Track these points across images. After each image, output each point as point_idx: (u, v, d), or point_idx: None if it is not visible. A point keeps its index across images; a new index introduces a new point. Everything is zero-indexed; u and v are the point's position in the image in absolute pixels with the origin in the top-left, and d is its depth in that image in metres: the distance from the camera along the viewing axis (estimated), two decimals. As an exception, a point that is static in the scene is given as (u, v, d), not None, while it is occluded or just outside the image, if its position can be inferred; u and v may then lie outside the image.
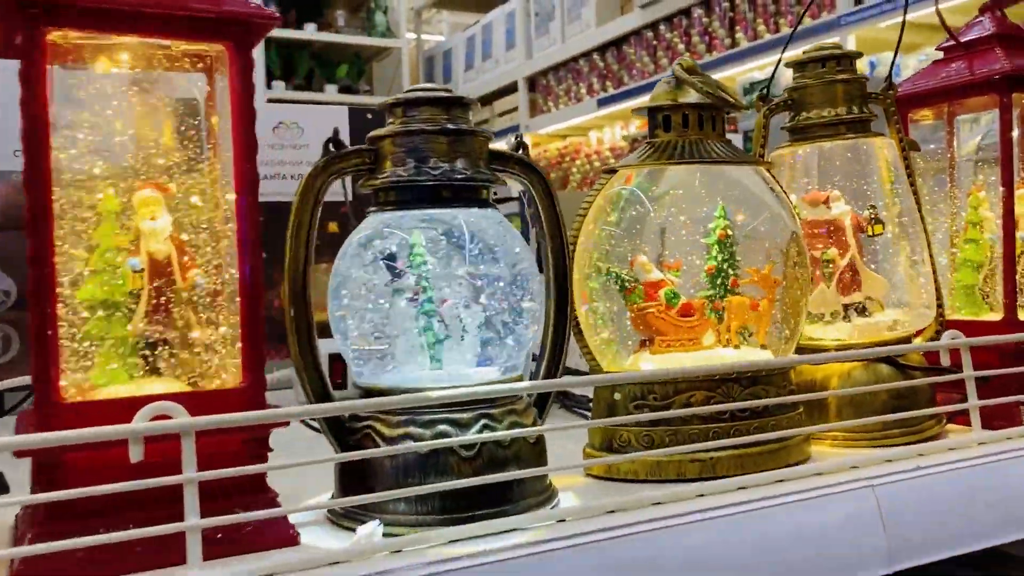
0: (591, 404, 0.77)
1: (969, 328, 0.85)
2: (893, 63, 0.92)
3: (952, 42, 0.90)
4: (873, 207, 0.85)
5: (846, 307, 0.86)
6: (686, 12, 5.53)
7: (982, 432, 0.82)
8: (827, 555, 0.68)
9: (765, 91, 0.87)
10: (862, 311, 0.86)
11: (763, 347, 0.77)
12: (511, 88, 5.44)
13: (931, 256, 0.87)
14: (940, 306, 0.89)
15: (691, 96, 0.76)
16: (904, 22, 0.89)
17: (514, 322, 0.66)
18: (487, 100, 5.69)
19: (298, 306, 0.62)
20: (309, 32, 4.94)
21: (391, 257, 0.64)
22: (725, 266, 0.77)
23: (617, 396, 0.73)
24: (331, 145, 0.63)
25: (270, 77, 4.67)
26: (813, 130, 0.86)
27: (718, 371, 0.71)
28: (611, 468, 0.73)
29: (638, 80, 5.96)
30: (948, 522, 0.74)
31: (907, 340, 0.86)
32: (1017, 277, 0.88)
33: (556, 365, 0.70)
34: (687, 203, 0.77)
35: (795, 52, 0.89)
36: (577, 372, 0.99)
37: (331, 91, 5.02)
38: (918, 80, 0.92)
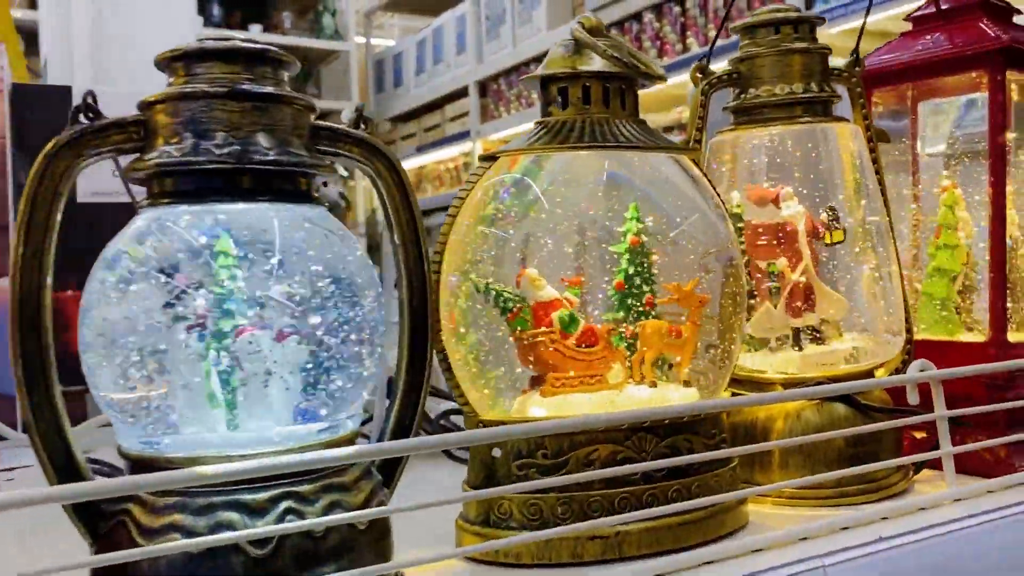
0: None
1: (941, 351, 0.70)
2: (860, 35, 0.76)
3: (928, 10, 0.73)
4: (832, 209, 0.69)
5: (796, 331, 0.69)
6: (637, 17, 5.41)
7: (956, 487, 0.66)
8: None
9: (704, 61, 0.70)
10: (816, 337, 0.70)
11: (687, 384, 0.60)
12: (462, 93, 5.28)
13: (900, 270, 0.72)
14: (909, 331, 0.73)
15: (595, 63, 0.59)
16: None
17: (345, 360, 0.48)
18: (438, 105, 5.55)
19: (29, 341, 0.44)
20: (254, 34, 4.77)
21: (166, 271, 0.46)
22: (638, 280, 0.60)
23: (497, 453, 0.56)
24: (83, 115, 0.45)
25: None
26: (762, 111, 0.70)
27: (627, 419, 0.54)
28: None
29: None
30: (923, 610, 0.58)
31: (869, 373, 0.70)
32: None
33: (410, 416, 0.52)
34: (590, 200, 0.60)
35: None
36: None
37: (277, 94, 4.87)
38: (885, 55, 0.76)
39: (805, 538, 0.58)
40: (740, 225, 0.70)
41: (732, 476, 0.60)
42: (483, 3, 5.41)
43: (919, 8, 0.75)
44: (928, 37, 0.73)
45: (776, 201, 0.68)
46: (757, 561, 0.55)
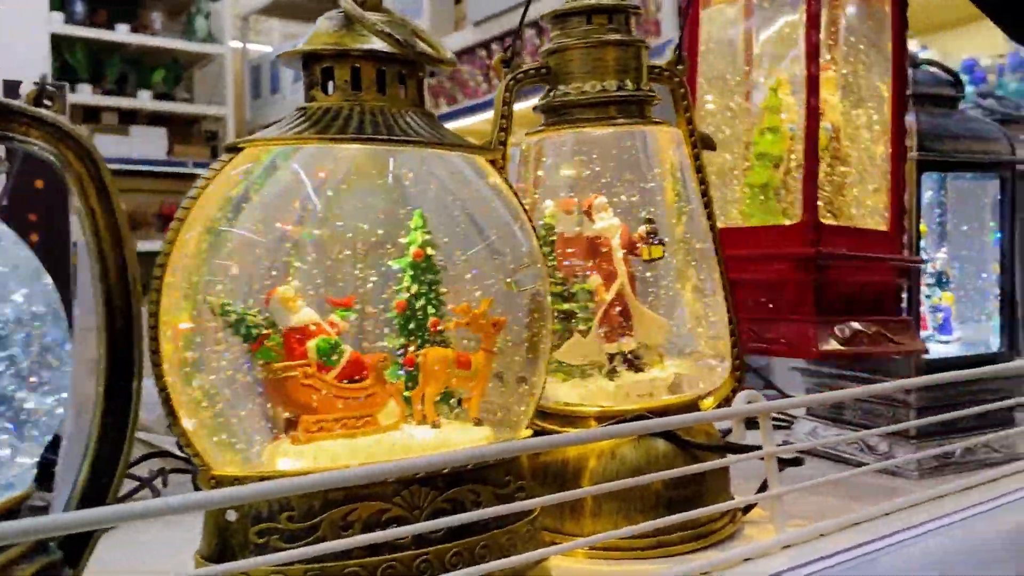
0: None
1: (757, 237, 0.69)
2: (682, 35, 0.69)
3: None
4: (651, 221, 0.62)
5: (611, 358, 0.61)
6: (517, 32, 5.40)
7: (787, 532, 0.59)
8: None
9: (509, 52, 0.62)
10: (633, 363, 0.62)
11: (478, 423, 0.51)
12: (339, 101, 5.14)
13: (726, 289, 0.65)
14: (738, 357, 0.66)
15: (371, 42, 0.49)
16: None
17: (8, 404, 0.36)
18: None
19: None
20: (121, 34, 4.48)
21: None
22: (422, 301, 0.50)
23: (232, 517, 0.45)
24: None
25: (74, 79, 4.15)
26: (572, 111, 0.62)
27: (394, 472, 0.44)
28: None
29: (472, 99, 5.80)
30: None
31: (694, 404, 0.62)
32: (821, 176, 0.69)
33: (108, 473, 0.41)
34: (361, 204, 0.50)
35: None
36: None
37: (145, 97, 4.58)
38: None
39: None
40: (552, 238, 0.62)
41: (530, 530, 0.51)
42: (360, 9, 5.29)
43: None
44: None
45: (588, 212, 0.60)
46: (548, 637, 0.46)
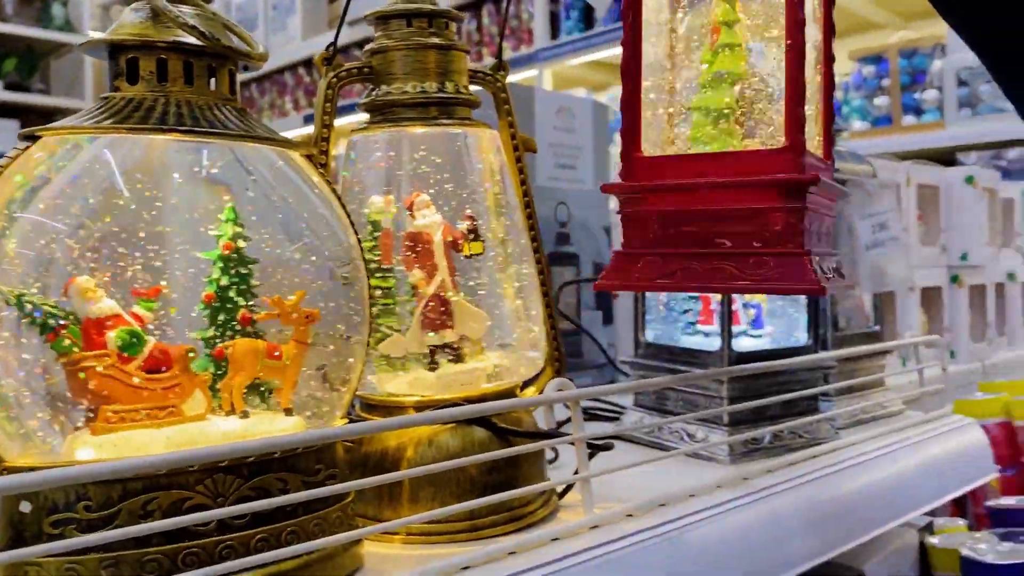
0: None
1: (726, 162, 0.60)
2: (501, 40, 0.72)
3: None
4: (471, 219, 0.64)
5: (433, 350, 0.64)
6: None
7: (595, 513, 0.63)
8: None
9: (331, 50, 0.63)
10: (453, 355, 0.64)
11: (288, 413, 0.52)
12: (206, 97, 4.99)
13: (545, 285, 0.68)
14: (558, 349, 0.70)
15: (181, 35, 0.49)
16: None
17: None
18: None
19: None
20: None
21: None
22: (232, 293, 0.51)
23: (26, 508, 0.45)
24: None
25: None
26: (395, 110, 0.64)
27: (195, 459, 0.45)
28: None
29: (344, 99, 5.72)
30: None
31: (512, 393, 0.65)
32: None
33: None
34: (166, 196, 0.50)
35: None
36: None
37: (-5, 86, 4.34)
38: None
39: (421, 580, 0.52)
40: (377, 234, 0.63)
41: (342, 517, 0.53)
42: (234, 6, 5.15)
43: None
44: None
45: (411, 208, 0.62)
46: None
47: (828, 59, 0.66)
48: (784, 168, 0.58)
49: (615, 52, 4.48)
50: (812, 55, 0.64)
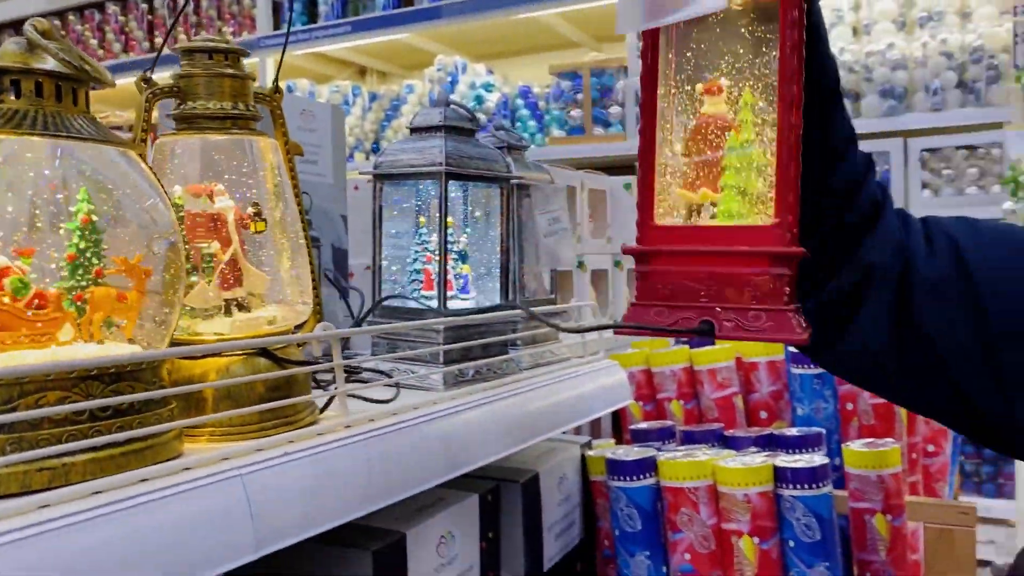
0: None
1: (721, 232, 0.71)
2: (279, 68, 0.95)
3: None
4: (256, 204, 0.87)
5: (227, 302, 0.86)
6: (99, 6, 5.14)
7: (348, 417, 0.89)
8: (194, 549, 0.66)
9: (149, 73, 0.82)
10: (243, 306, 0.87)
11: (131, 341, 0.73)
12: None
13: (310, 255, 0.92)
14: (318, 303, 0.94)
15: (48, 62, 0.68)
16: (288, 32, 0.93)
17: None
18: None
19: None
20: None
21: None
22: (89, 254, 0.70)
23: (-56, 403, 0.62)
24: None
25: None
26: (198, 121, 0.85)
27: (73, 368, 0.64)
28: (-66, 490, 0.61)
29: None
30: (313, 502, 0.78)
31: (286, 333, 0.89)
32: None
33: None
34: (42, 181, 0.68)
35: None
36: None
37: None
38: None
39: (227, 458, 0.74)
40: (181, 215, 0.84)
41: (170, 415, 0.74)
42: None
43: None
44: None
45: (211, 195, 0.83)
46: (186, 475, 0.69)
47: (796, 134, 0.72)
48: (775, 242, 0.68)
49: (338, 46, 4.67)
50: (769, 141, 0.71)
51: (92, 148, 0.71)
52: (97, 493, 0.63)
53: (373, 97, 4.79)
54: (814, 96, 0.76)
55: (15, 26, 5.44)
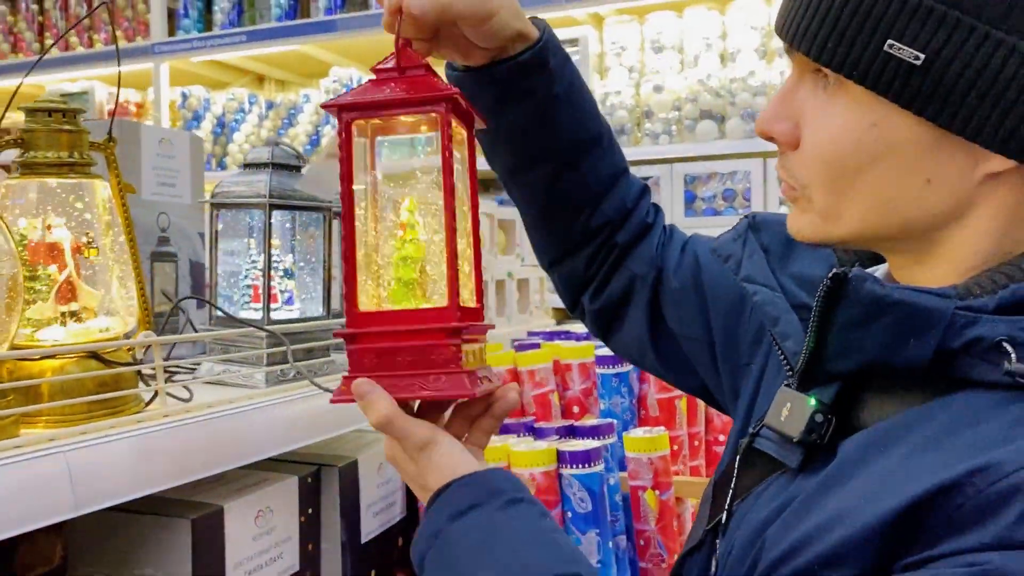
0: None
1: (411, 315, 0.88)
2: (112, 119, 1.15)
3: (387, 64, 0.89)
4: (89, 234, 1.07)
5: (63, 315, 1.05)
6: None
7: (167, 407, 1.09)
8: (24, 505, 0.86)
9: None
10: (77, 318, 1.06)
11: (-26, 347, 0.92)
12: None
13: (138, 273, 1.12)
14: (146, 312, 1.14)
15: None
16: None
17: None
18: None
19: None
20: None
21: None
22: (-61, 278, 0.89)
23: None
24: None
25: None
26: (40, 168, 1.04)
27: (-76, 367, 0.84)
28: None
29: None
30: (130, 474, 0.98)
31: (115, 339, 1.09)
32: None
33: None
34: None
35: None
36: None
37: None
38: (358, 94, 0.89)
39: (53, 439, 0.94)
40: (24, 243, 1.03)
41: (6, 406, 0.93)
42: None
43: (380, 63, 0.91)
44: (388, 86, 0.88)
45: (48, 228, 1.03)
46: (18, 451, 0.89)
47: (476, 228, 0.93)
48: (447, 319, 0.84)
49: (234, 55, 4.78)
50: (464, 225, 0.91)
51: (-57, 194, 0.90)
52: (-61, 464, 0.82)
53: (270, 105, 4.92)
54: (568, 152, 1.03)
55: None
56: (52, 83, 4.93)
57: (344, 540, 1.47)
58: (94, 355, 1.04)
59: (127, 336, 1.12)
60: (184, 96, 4.90)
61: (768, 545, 0.71)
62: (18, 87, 1.06)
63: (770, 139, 0.78)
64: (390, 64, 0.88)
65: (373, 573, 1.54)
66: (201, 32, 4.91)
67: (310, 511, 1.41)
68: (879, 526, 0.62)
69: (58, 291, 1.04)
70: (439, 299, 0.89)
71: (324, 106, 0.87)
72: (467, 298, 0.91)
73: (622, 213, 1.11)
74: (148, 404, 1.12)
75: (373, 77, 0.89)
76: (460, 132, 0.93)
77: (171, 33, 4.92)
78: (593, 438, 1.70)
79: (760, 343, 1.00)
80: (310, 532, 1.41)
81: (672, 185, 3.67)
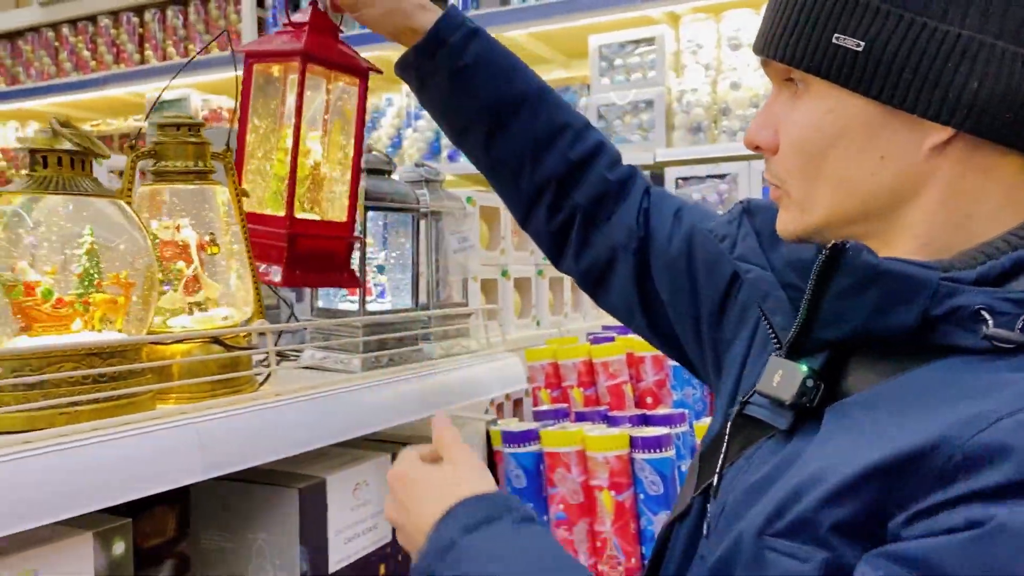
0: None
1: (273, 219, 1.29)
2: (226, 135, 1.29)
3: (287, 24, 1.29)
4: (212, 234, 1.20)
5: (190, 305, 1.19)
6: (92, 19, 5.45)
7: (280, 387, 1.23)
8: (161, 467, 0.99)
9: (133, 143, 1.16)
10: (201, 308, 1.20)
11: (121, 332, 1.06)
12: None
13: (252, 269, 1.26)
14: (260, 303, 1.27)
15: (66, 144, 1.01)
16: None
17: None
18: None
19: None
20: None
21: None
22: (92, 271, 1.04)
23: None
24: None
25: None
26: (171, 176, 1.18)
27: (81, 347, 0.98)
28: (-8, 425, 0.94)
29: (36, 80, 5.68)
30: (249, 444, 1.11)
31: (233, 327, 1.22)
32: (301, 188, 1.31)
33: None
34: (63, 223, 1.02)
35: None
36: None
37: None
38: (263, 43, 1.31)
39: (184, 412, 1.08)
40: (157, 242, 1.17)
41: (147, 383, 1.07)
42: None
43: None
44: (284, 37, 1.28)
45: (178, 228, 1.17)
46: (156, 421, 1.02)
47: (357, 158, 1.34)
48: (348, 232, 1.25)
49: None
50: (335, 155, 1.33)
51: (94, 200, 1.04)
52: (96, 430, 0.96)
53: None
54: (494, 116, 1.20)
55: (11, 37, 5.72)
56: (152, 91, 5.22)
57: (431, 516, 1.58)
58: (216, 340, 1.18)
59: (244, 324, 1.25)
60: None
61: (765, 500, 0.77)
62: (160, 96, 1.20)
63: (756, 149, 0.88)
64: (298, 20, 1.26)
65: (458, 548, 1.66)
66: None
67: (401, 487, 1.53)
68: (873, 470, 0.68)
69: (185, 284, 1.18)
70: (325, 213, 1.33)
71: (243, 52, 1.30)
72: (326, 209, 1.33)
73: (566, 166, 1.22)
74: (262, 384, 1.26)
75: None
76: (353, 81, 1.34)
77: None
78: (665, 426, 1.78)
79: (745, 321, 1.07)
80: (401, 507, 1.53)
81: (750, 181, 3.69)
